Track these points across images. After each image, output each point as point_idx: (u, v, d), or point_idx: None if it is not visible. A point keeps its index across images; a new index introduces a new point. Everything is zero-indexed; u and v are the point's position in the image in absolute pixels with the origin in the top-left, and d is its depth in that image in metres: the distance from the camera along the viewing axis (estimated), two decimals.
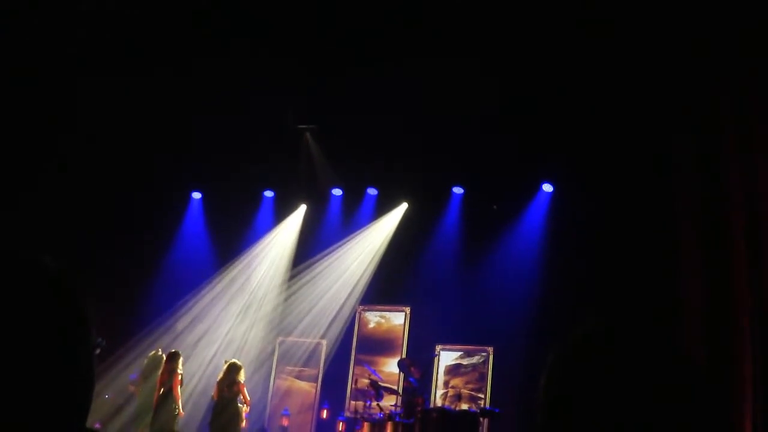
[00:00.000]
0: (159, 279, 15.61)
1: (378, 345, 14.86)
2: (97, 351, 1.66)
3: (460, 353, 14.12)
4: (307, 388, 15.09)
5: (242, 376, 12.89)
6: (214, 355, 15.08)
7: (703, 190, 10.25)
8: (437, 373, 14.11)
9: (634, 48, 10.88)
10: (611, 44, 11.07)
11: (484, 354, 13.92)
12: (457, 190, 14.80)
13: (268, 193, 16.14)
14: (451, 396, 13.81)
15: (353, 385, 14.24)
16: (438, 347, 14.15)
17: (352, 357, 14.91)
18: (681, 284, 10.53)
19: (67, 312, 1.49)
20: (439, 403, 13.65)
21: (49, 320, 1.45)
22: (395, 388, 13.57)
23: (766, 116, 9.72)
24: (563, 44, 11.35)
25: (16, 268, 1.48)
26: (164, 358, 13.12)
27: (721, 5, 9.97)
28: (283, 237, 16.03)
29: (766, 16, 9.63)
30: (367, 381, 13.14)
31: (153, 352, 13.62)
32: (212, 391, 13.10)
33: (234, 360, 13.26)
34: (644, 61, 10.96)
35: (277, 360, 15.35)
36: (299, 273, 15.61)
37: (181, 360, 13.06)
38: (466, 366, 14.03)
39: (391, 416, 12.32)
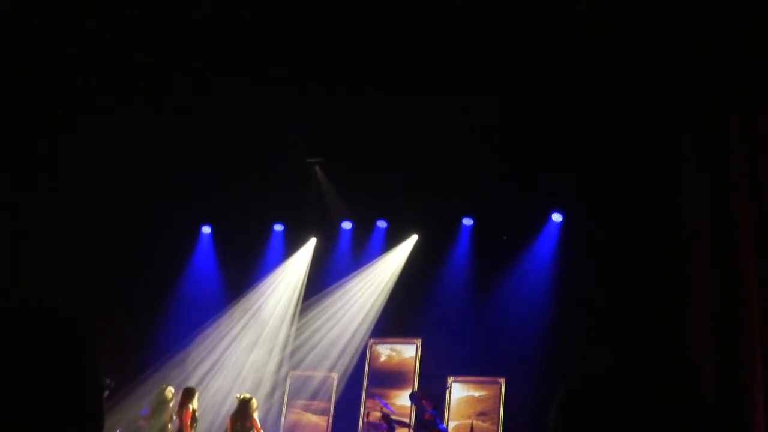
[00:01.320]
0: (169, 313, 15.61)
1: (389, 378, 14.80)
2: (106, 393, 1.65)
3: (472, 384, 14.06)
4: (319, 422, 15.02)
5: (255, 410, 12.86)
6: (226, 389, 15.05)
7: (715, 210, 10.23)
8: (449, 405, 14.04)
9: (635, 62, 10.88)
10: (611, 63, 11.07)
11: (496, 385, 13.86)
12: (467, 221, 14.80)
13: (278, 227, 16.15)
14: (463, 427, 13.73)
15: (365, 419, 14.16)
16: (450, 379, 14.09)
17: (364, 390, 14.85)
18: (694, 309, 10.47)
19: (78, 354, 1.51)
20: None
21: (61, 362, 1.47)
22: (407, 421, 13.50)
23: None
24: (564, 67, 11.36)
25: (30, 310, 1.50)
26: (172, 393, 13.12)
27: (721, 5, 9.97)
28: (293, 270, 16.02)
29: (766, 16, 9.64)
30: (378, 414, 13.10)
31: (162, 388, 13.60)
32: (225, 425, 13.08)
33: (246, 394, 13.24)
34: (645, 72, 10.95)
35: (288, 393, 15.29)
36: (310, 306, 15.60)
37: (196, 396, 13.06)
38: (478, 397, 13.96)
39: None
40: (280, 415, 15.20)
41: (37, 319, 1.48)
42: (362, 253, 15.60)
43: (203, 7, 11.25)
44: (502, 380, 13.82)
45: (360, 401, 14.77)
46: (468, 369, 14.01)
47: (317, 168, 15.28)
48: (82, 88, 12.90)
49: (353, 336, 15.05)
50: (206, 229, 16.37)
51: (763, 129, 9.77)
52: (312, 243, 16.00)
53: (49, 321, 1.49)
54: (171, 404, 13.11)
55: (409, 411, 14.03)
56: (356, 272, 15.47)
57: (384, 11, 11.04)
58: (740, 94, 10.09)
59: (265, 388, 15.16)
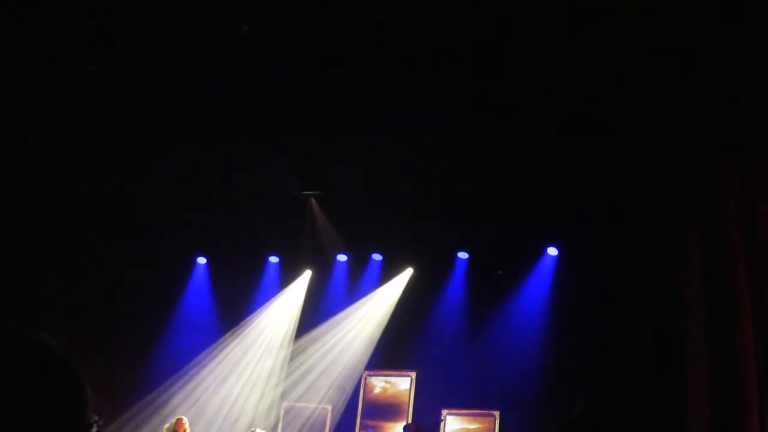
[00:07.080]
0: (163, 344, 15.57)
1: (383, 410, 14.78)
2: (95, 430, 1.61)
3: (466, 417, 14.05)
4: None
5: None
6: (219, 420, 15.00)
7: (710, 246, 10.25)
8: None
9: (630, 93, 10.96)
10: (605, 98, 11.15)
11: (490, 418, 13.86)
12: (462, 255, 14.86)
13: (273, 259, 16.16)
14: None
15: None
16: (444, 412, 14.08)
17: (358, 422, 14.82)
18: (689, 346, 10.50)
19: (64, 391, 1.48)
20: None
21: (46, 400, 1.44)
22: None
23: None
24: (558, 101, 11.43)
25: (14, 346, 1.47)
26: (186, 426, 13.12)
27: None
28: (288, 302, 16.00)
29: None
30: None
31: (173, 421, 13.50)
32: None
33: (257, 429, 13.25)
34: (641, 104, 11.02)
35: (282, 426, 15.24)
36: (304, 338, 15.58)
37: (184, 426, 13.02)
38: (472, 430, 13.94)
39: None
40: None
41: (16, 353, 1.46)
42: (357, 286, 15.61)
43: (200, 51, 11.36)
44: (497, 413, 13.82)
45: None
46: (462, 401, 14.01)
47: (313, 200, 15.33)
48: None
49: (348, 368, 15.02)
50: (201, 260, 16.37)
51: (758, 162, 9.80)
52: (307, 275, 15.99)
53: (29, 355, 1.46)
54: None
55: None
56: (351, 305, 15.47)
57: (379, 52, 11.14)
58: (734, 125, 10.15)
59: (260, 420, 15.11)
